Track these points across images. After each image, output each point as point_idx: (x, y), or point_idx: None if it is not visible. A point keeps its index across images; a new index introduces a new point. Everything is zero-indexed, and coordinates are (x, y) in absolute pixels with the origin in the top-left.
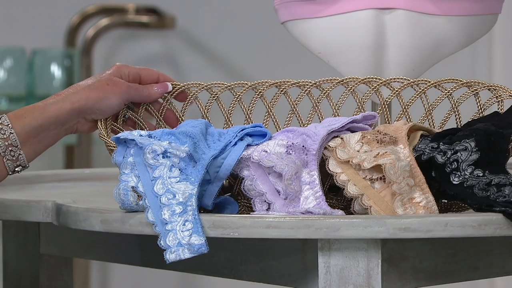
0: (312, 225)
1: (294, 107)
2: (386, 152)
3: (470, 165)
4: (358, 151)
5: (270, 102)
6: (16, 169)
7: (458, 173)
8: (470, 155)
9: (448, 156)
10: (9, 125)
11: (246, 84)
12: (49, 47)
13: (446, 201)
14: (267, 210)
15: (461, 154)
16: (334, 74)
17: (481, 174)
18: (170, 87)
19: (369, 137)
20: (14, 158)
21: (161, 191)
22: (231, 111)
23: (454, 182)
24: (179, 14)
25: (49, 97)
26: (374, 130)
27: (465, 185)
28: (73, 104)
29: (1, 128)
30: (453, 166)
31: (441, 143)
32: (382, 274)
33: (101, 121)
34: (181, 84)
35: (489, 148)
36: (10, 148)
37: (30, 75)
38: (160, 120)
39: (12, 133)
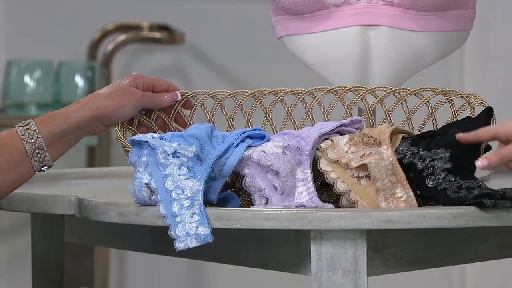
0: (306, 217)
1: (289, 113)
2: (371, 152)
3: (444, 171)
4: (346, 151)
5: (268, 108)
6: (42, 168)
7: (433, 177)
8: (445, 163)
9: (426, 162)
10: (36, 130)
11: (247, 92)
12: (73, 60)
13: None
14: (265, 204)
15: (437, 162)
16: (325, 83)
17: (453, 179)
18: (179, 96)
19: (356, 139)
20: (40, 159)
21: (171, 187)
22: (233, 116)
23: (429, 185)
24: (188, 31)
25: (71, 104)
26: (360, 133)
27: (439, 188)
28: (92, 112)
29: (29, 133)
30: (429, 171)
31: (420, 149)
32: (367, 260)
33: (118, 125)
34: (189, 92)
35: (463, 158)
36: (37, 151)
37: (56, 85)
38: (170, 124)
39: (39, 137)
